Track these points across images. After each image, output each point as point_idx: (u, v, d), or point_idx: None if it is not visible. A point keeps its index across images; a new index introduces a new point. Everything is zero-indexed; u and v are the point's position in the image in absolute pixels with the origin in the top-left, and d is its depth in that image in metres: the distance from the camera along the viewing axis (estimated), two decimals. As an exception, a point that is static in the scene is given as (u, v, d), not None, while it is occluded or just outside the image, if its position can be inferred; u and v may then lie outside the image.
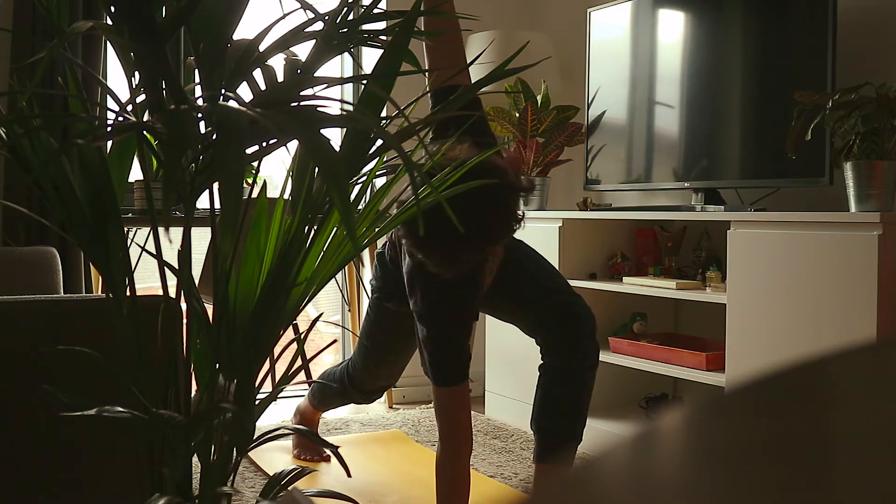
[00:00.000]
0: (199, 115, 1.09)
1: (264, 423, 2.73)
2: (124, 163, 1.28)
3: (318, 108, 1.10)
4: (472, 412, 2.57)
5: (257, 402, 1.25)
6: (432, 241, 1.77)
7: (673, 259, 3.05)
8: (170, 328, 1.25)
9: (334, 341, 4.03)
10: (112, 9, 1.09)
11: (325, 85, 1.19)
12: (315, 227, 1.23)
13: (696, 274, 2.86)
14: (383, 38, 1.26)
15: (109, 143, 1.29)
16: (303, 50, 1.27)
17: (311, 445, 2.79)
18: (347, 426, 3.23)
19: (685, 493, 0.27)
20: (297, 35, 1.17)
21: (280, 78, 1.21)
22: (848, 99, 2.23)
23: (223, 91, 1.12)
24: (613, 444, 0.31)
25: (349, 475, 1.53)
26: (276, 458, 2.75)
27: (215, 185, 1.18)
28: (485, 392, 3.48)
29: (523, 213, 1.85)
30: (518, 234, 1.95)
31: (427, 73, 1.83)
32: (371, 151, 1.22)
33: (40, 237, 3.15)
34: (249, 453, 2.12)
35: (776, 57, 2.67)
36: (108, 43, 3.20)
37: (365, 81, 1.21)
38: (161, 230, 1.08)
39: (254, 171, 2.55)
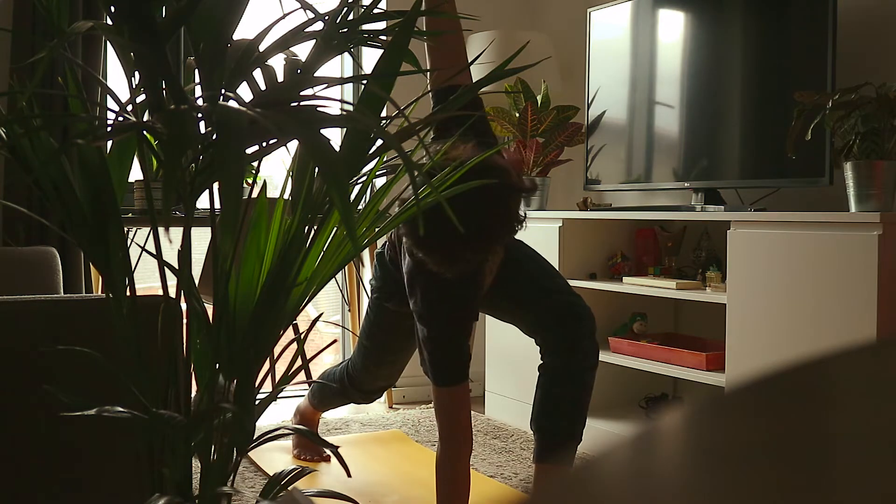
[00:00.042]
0: (199, 115, 1.09)
1: (264, 423, 2.73)
2: (124, 163, 1.28)
3: (318, 108, 1.10)
4: (472, 412, 2.57)
5: (257, 402, 1.25)
6: (433, 240, 1.77)
7: (673, 259, 3.05)
8: (170, 328, 1.25)
9: (334, 341, 4.03)
10: (112, 9, 1.09)
11: (325, 85, 1.19)
12: (315, 227, 1.23)
13: (696, 274, 2.86)
14: (383, 38, 1.26)
15: (109, 143, 1.29)
16: (303, 50, 1.27)
17: (311, 445, 2.79)
18: (347, 426, 3.23)
19: (685, 493, 0.27)
20: (297, 35, 1.17)
21: (280, 78, 1.21)
22: (848, 99, 2.23)
23: (223, 91, 1.12)
24: (613, 444, 0.31)
25: (349, 475, 1.53)
26: (276, 458, 2.75)
27: (215, 185, 1.18)
28: (485, 392, 3.48)
29: (525, 213, 1.86)
30: (518, 234, 1.95)
31: (428, 73, 1.83)
32: (371, 151, 1.22)
33: (40, 237, 3.15)
34: (249, 453, 2.12)
35: (776, 57, 2.67)
36: (108, 43, 3.20)
37: (365, 81, 1.21)
38: (161, 230, 1.08)
39: (254, 171, 2.55)
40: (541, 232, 3.08)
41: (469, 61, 1.68)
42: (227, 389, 1.23)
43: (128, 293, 1.22)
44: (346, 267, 3.57)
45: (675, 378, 3.05)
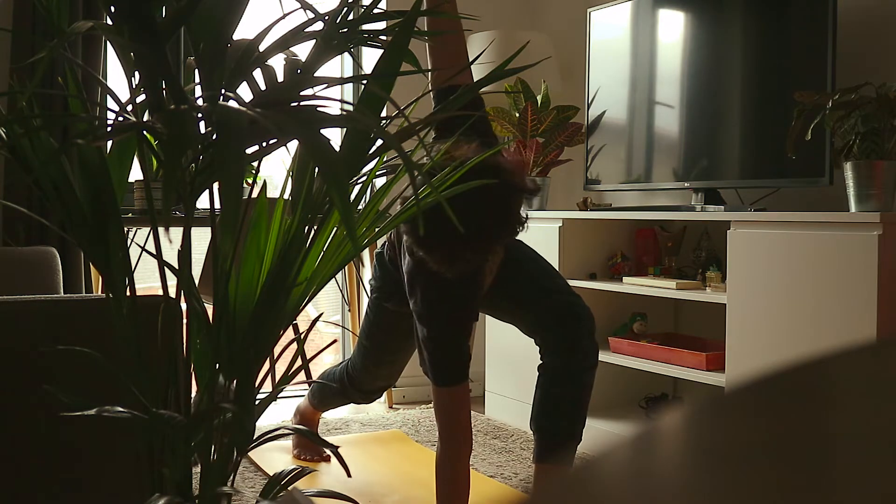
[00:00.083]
0: (199, 115, 1.09)
1: (264, 423, 2.73)
2: (124, 163, 1.28)
3: (318, 108, 1.10)
4: (472, 412, 2.57)
5: (257, 402, 1.25)
6: (434, 239, 1.77)
7: (673, 259, 3.05)
8: (170, 328, 1.25)
9: (334, 341, 4.03)
10: (112, 9, 1.09)
11: (325, 85, 1.19)
12: (315, 227, 1.23)
13: (696, 274, 2.86)
14: (383, 38, 1.26)
15: (109, 143, 1.29)
16: (303, 50, 1.27)
17: (311, 445, 2.79)
18: (347, 426, 3.23)
19: (685, 493, 0.27)
20: (297, 35, 1.17)
21: (280, 78, 1.21)
22: (848, 99, 2.23)
23: (223, 91, 1.12)
24: (613, 444, 0.31)
25: (349, 475, 1.53)
26: (276, 458, 2.75)
27: (215, 185, 1.18)
28: (485, 392, 3.48)
29: (526, 215, 1.85)
30: (519, 235, 1.95)
31: (428, 73, 1.83)
32: (371, 151, 1.22)
33: (40, 237, 3.15)
34: (249, 453, 2.12)
35: (776, 57, 2.67)
36: (108, 43, 3.20)
37: (365, 81, 1.21)
38: (161, 230, 1.08)
39: (254, 171, 2.55)
40: (541, 232, 3.08)
41: (469, 61, 1.68)
42: (227, 389, 1.23)
43: (128, 293, 1.22)
44: (346, 267, 3.57)
45: (675, 378, 3.05)
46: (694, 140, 2.91)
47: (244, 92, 1.14)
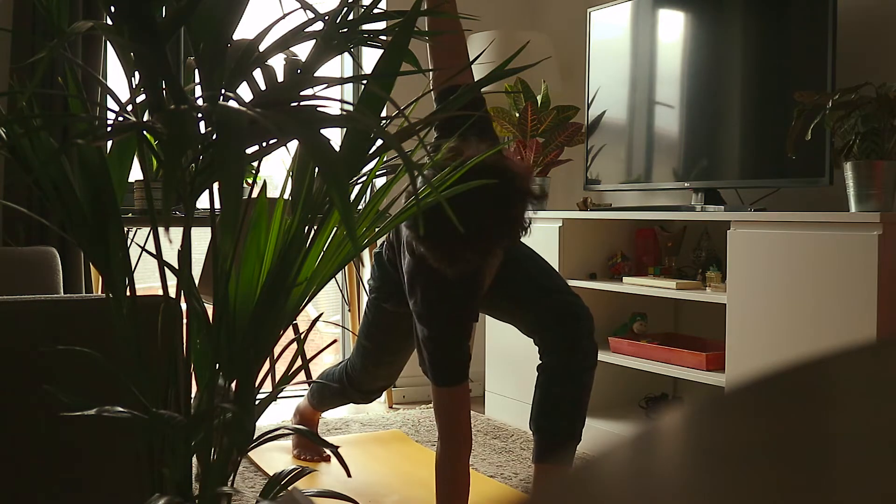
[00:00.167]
0: (199, 115, 1.09)
1: (264, 423, 2.73)
2: (124, 163, 1.28)
3: (318, 108, 1.10)
4: (472, 412, 2.56)
5: (257, 402, 1.25)
6: (435, 236, 1.77)
7: (673, 259, 3.05)
8: (170, 328, 1.25)
9: (334, 341, 4.03)
10: (112, 9, 1.09)
11: (325, 85, 1.19)
12: (315, 227, 1.23)
13: (696, 274, 2.86)
14: (383, 38, 1.26)
15: (109, 143, 1.29)
16: (303, 50, 1.27)
17: (311, 445, 2.79)
18: (347, 426, 3.23)
19: (685, 493, 0.27)
20: (297, 35, 1.17)
21: (280, 78, 1.21)
22: (848, 99, 2.23)
23: (223, 91, 1.12)
24: (613, 444, 0.31)
25: (349, 475, 1.53)
26: (276, 458, 2.75)
27: (215, 185, 1.18)
28: (485, 392, 3.48)
29: (530, 220, 1.85)
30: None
31: (429, 73, 1.83)
32: (371, 151, 1.22)
33: (40, 237, 3.15)
34: (249, 453, 2.12)
35: (776, 57, 2.67)
36: (108, 43, 3.20)
37: (365, 81, 1.21)
38: (161, 230, 1.08)
39: (254, 171, 2.55)
40: (541, 232, 3.08)
41: (469, 61, 1.68)
42: (227, 389, 1.23)
43: (128, 293, 1.22)
44: (346, 267, 3.57)
45: (675, 378, 3.05)
46: (694, 140, 2.91)
47: (244, 92, 1.14)
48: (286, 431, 1.32)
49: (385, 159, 1.30)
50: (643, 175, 3.13)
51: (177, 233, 1.17)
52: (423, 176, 1.15)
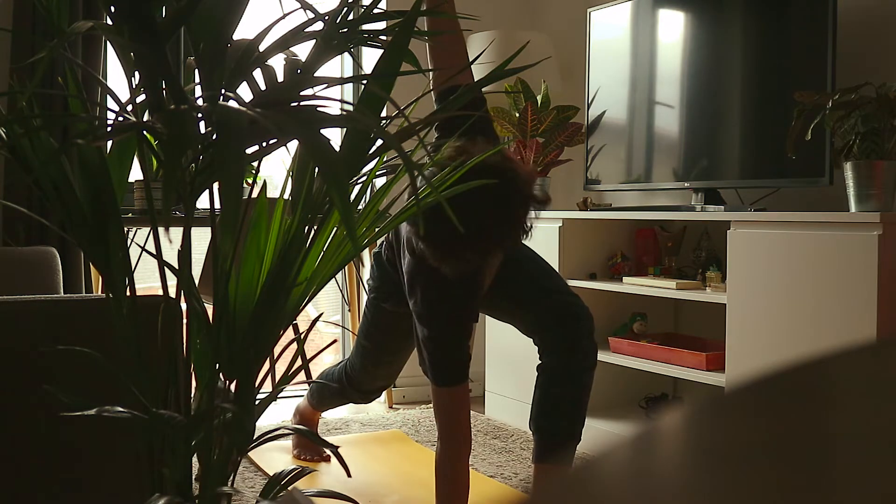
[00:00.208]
0: (199, 115, 1.09)
1: (264, 423, 2.73)
2: (124, 163, 1.28)
3: (318, 108, 1.10)
4: (472, 412, 2.56)
5: (257, 402, 1.25)
6: (436, 234, 1.76)
7: (673, 259, 3.05)
8: (170, 328, 1.25)
9: (334, 341, 4.03)
10: (112, 9, 1.09)
11: (325, 85, 1.19)
12: (315, 227, 1.23)
13: (696, 274, 2.86)
14: (383, 38, 1.26)
15: (109, 143, 1.29)
16: (303, 50, 1.27)
17: (311, 445, 2.79)
18: (347, 426, 3.23)
19: (685, 493, 0.27)
20: (297, 35, 1.17)
21: (280, 78, 1.21)
22: (848, 99, 2.23)
23: (223, 91, 1.12)
24: (613, 444, 0.31)
25: (349, 475, 1.53)
26: (276, 458, 2.75)
27: (215, 185, 1.18)
28: (485, 392, 3.48)
29: (531, 224, 1.85)
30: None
31: (429, 73, 1.83)
32: (371, 151, 1.22)
33: (40, 237, 3.15)
34: (249, 453, 2.12)
35: (776, 57, 2.67)
36: (108, 43, 3.20)
37: (365, 81, 1.21)
38: (161, 230, 1.08)
39: (254, 171, 2.55)
40: (541, 232, 3.08)
41: (469, 61, 1.68)
42: (227, 389, 1.23)
43: (128, 293, 1.22)
44: (346, 267, 3.57)
45: (675, 378, 3.05)
46: (694, 140, 2.91)
47: (244, 92, 1.14)
48: (286, 431, 1.32)
49: (385, 159, 1.30)
50: (643, 175, 3.13)
51: (177, 233, 1.17)
52: (424, 176, 1.15)
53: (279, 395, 1.34)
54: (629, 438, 0.32)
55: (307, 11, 1.16)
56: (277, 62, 2.80)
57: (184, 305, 1.25)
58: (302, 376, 3.49)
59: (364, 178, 1.28)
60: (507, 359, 3.29)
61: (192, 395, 1.26)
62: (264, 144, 1.14)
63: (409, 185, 1.33)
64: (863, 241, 2.11)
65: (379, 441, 3.02)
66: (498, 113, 3.39)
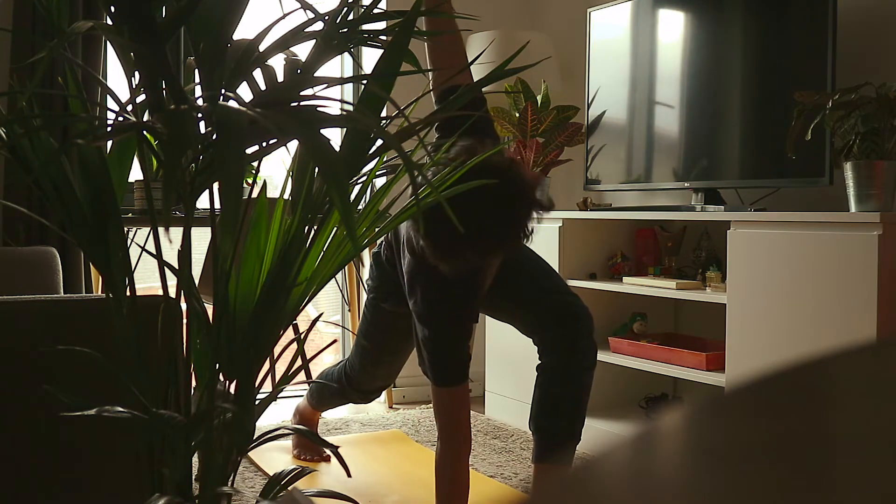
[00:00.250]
0: (199, 115, 1.09)
1: (264, 423, 2.73)
2: (124, 163, 1.28)
3: (318, 108, 1.10)
4: (472, 412, 2.56)
5: (257, 402, 1.25)
6: (437, 232, 1.76)
7: (673, 259, 3.05)
8: (170, 328, 1.25)
9: (334, 341, 4.03)
10: (112, 9, 1.09)
11: (325, 85, 1.19)
12: (315, 227, 1.23)
13: (696, 274, 2.86)
14: (383, 38, 1.26)
15: (109, 143, 1.29)
16: (303, 50, 1.27)
17: (311, 445, 2.79)
18: (347, 426, 3.23)
19: (685, 493, 0.27)
20: (297, 35, 1.17)
21: (280, 78, 1.21)
22: (848, 99, 2.23)
23: (223, 91, 1.12)
24: (613, 444, 0.31)
25: (349, 475, 1.53)
26: (276, 458, 2.75)
27: (215, 185, 1.18)
28: (485, 392, 3.48)
29: (533, 228, 1.84)
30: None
31: (427, 73, 1.82)
32: (371, 151, 1.22)
33: (40, 237, 3.15)
34: (249, 453, 2.12)
35: (776, 57, 2.67)
36: (108, 43, 3.20)
37: (365, 81, 1.21)
38: (161, 230, 1.08)
39: (254, 171, 2.55)
40: (541, 232, 3.07)
41: (469, 61, 1.68)
42: (227, 389, 1.23)
43: (128, 293, 1.22)
44: (346, 267, 3.57)
45: (675, 378, 3.05)
46: (694, 140, 2.91)
47: (244, 92, 1.14)
48: (286, 431, 1.32)
49: (385, 159, 1.30)
50: (643, 175, 3.13)
51: (177, 233, 1.17)
52: (424, 176, 1.15)
53: (279, 395, 1.34)
54: (629, 438, 0.32)
55: (307, 11, 1.16)
56: (277, 62, 2.79)
57: (184, 305, 1.25)
58: (302, 376, 3.49)
59: (364, 178, 1.28)
60: (507, 359, 3.29)
61: (192, 395, 1.26)
62: (264, 144, 1.14)
63: (409, 186, 1.33)
64: (863, 241, 2.11)
65: (379, 441, 3.02)
66: (498, 113, 3.39)
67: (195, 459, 1.22)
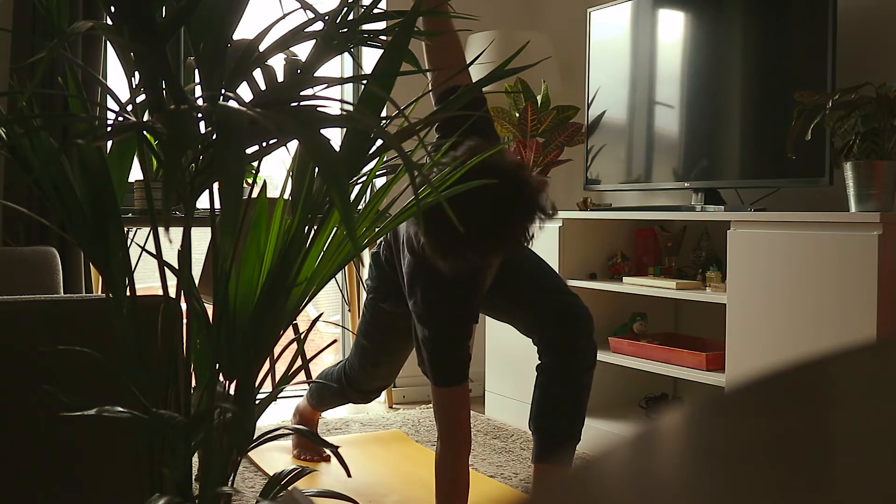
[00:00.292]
0: (199, 115, 1.09)
1: (264, 423, 2.73)
2: (124, 163, 1.28)
3: (318, 108, 1.10)
4: (472, 412, 2.56)
5: (257, 402, 1.25)
6: (438, 230, 1.75)
7: (673, 259, 3.05)
8: (170, 328, 1.25)
9: (334, 341, 4.03)
10: (112, 9, 1.09)
11: (325, 85, 1.19)
12: (315, 227, 1.23)
13: (696, 274, 2.86)
14: (383, 38, 1.26)
15: (109, 143, 1.29)
16: (303, 50, 1.27)
17: (311, 445, 2.79)
18: (347, 426, 3.23)
19: (685, 493, 0.27)
20: (297, 35, 1.17)
21: (280, 78, 1.21)
22: (848, 99, 2.23)
23: (223, 91, 1.12)
24: (613, 444, 0.31)
25: (349, 475, 1.53)
26: (276, 458, 2.75)
27: (215, 185, 1.18)
28: (485, 392, 3.48)
29: (534, 233, 1.84)
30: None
31: (427, 73, 1.83)
32: (371, 151, 1.22)
33: (40, 237, 3.15)
34: (249, 453, 2.12)
35: (776, 57, 2.67)
36: (108, 43, 3.20)
37: (365, 81, 1.21)
38: (161, 230, 1.08)
39: (254, 171, 2.55)
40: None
41: (468, 62, 1.68)
42: (227, 389, 1.23)
43: (128, 293, 1.22)
44: (346, 267, 3.57)
45: (675, 378, 3.05)
46: (694, 140, 2.91)
47: (244, 92, 1.14)
48: (286, 431, 1.32)
49: (385, 159, 1.30)
50: (643, 175, 3.13)
51: (177, 233, 1.17)
52: (424, 175, 1.15)
53: (279, 395, 1.34)
54: (629, 438, 0.32)
55: (307, 11, 1.16)
56: (277, 62, 2.79)
57: (184, 305, 1.25)
58: (302, 376, 3.49)
59: (364, 178, 1.28)
60: (507, 359, 3.29)
61: (192, 395, 1.26)
62: (264, 144, 1.14)
63: (408, 186, 1.33)
64: (863, 241, 2.11)
65: (379, 441, 3.02)
66: (498, 113, 3.39)
67: (195, 459, 1.22)
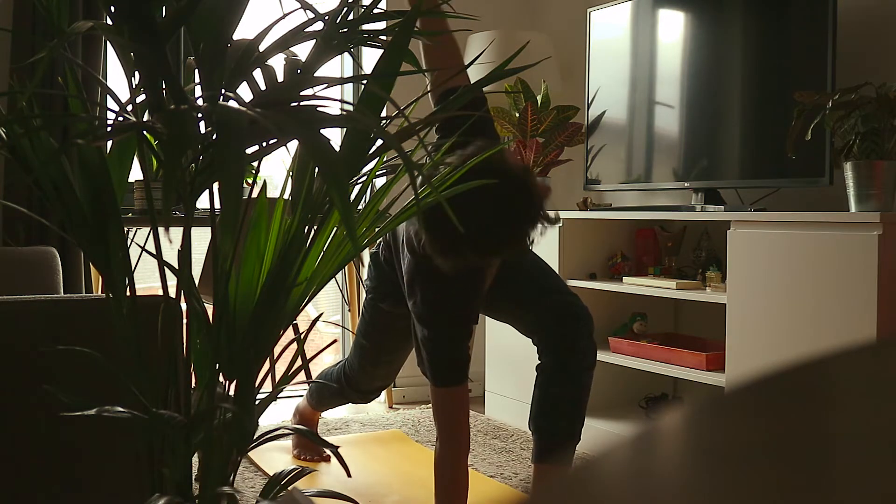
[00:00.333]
0: (199, 115, 1.09)
1: (264, 423, 2.73)
2: (124, 163, 1.28)
3: (318, 108, 1.10)
4: (472, 412, 2.56)
5: (257, 402, 1.25)
6: (439, 227, 1.75)
7: (673, 259, 3.05)
8: (170, 328, 1.25)
9: (334, 341, 4.03)
10: (112, 9, 1.09)
11: (325, 85, 1.19)
12: (315, 227, 1.23)
13: (696, 274, 2.86)
14: (383, 38, 1.26)
15: (109, 143, 1.29)
16: (303, 50, 1.27)
17: (311, 445, 2.79)
18: (347, 426, 3.23)
19: (685, 493, 0.27)
20: (297, 35, 1.17)
21: (280, 78, 1.21)
22: (848, 99, 2.23)
23: (223, 91, 1.12)
24: (613, 444, 0.31)
25: (349, 475, 1.53)
26: (276, 458, 2.75)
27: (215, 185, 1.18)
28: (485, 392, 3.48)
29: (534, 239, 1.84)
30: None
31: (427, 74, 1.83)
32: (371, 151, 1.22)
33: (40, 237, 3.15)
34: (249, 453, 2.12)
35: (776, 57, 2.67)
36: (108, 43, 3.20)
37: (365, 81, 1.21)
38: (161, 230, 1.08)
39: (254, 171, 2.55)
40: (541, 232, 3.07)
41: (467, 62, 1.68)
42: (227, 389, 1.23)
43: (128, 293, 1.22)
44: (346, 267, 3.57)
45: (675, 378, 3.05)
46: (694, 140, 2.91)
47: (244, 92, 1.14)
48: (286, 431, 1.32)
49: (385, 159, 1.30)
50: (643, 175, 3.13)
51: (177, 233, 1.17)
52: (424, 175, 1.15)
53: (279, 395, 1.34)
54: (629, 438, 0.32)
55: (307, 11, 1.16)
56: (277, 62, 2.79)
57: (184, 305, 1.25)
58: (302, 376, 3.49)
59: (364, 178, 1.28)
60: (507, 359, 3.29)
61: (192, 395, 1.26)
62: (264, 144, 1.14)
63: (408, 186, 1.33)
64: (863, 241, 2.11)
65: (379, 441, 3.02)
66: (498, 113, 3.39)
67: (195, 459, 1.22)
